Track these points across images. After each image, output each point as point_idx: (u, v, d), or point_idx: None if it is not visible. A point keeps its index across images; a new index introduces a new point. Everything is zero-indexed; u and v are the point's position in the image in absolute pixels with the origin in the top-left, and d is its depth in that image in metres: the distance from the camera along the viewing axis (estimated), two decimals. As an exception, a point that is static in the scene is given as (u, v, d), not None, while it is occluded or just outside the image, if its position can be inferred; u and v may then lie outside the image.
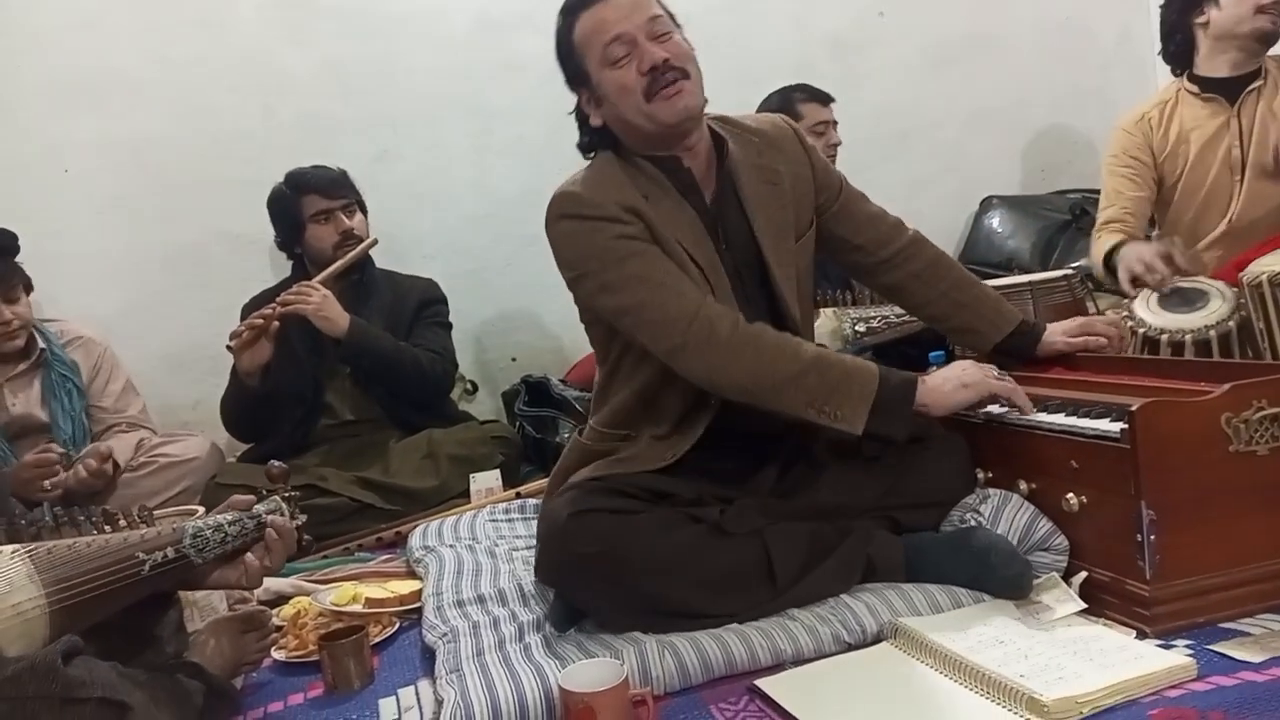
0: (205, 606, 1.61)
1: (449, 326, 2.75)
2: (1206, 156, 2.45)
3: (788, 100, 2.86)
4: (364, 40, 3.05)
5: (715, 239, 1.66)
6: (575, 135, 3.03)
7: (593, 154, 1.72)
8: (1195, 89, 2.47)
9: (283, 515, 1.38)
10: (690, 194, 1.66)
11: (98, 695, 1.06)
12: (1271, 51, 2.44)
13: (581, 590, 1.50)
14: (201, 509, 1.61)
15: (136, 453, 2.41)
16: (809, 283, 1.77)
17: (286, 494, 1.43)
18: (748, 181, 1.68)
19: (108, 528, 1.28)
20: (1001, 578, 1.44)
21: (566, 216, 1.61)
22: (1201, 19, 2.43)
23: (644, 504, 1.53)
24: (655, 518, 1.49)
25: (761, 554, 1.48)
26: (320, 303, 2.44)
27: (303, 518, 1.43)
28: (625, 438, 1.66)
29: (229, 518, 1.33)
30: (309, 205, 2.59)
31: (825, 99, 2.94)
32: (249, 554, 1.33)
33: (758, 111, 2.42)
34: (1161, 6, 2.53)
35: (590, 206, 1.59)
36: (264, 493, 1.43)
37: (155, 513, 1.42)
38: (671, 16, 1.65)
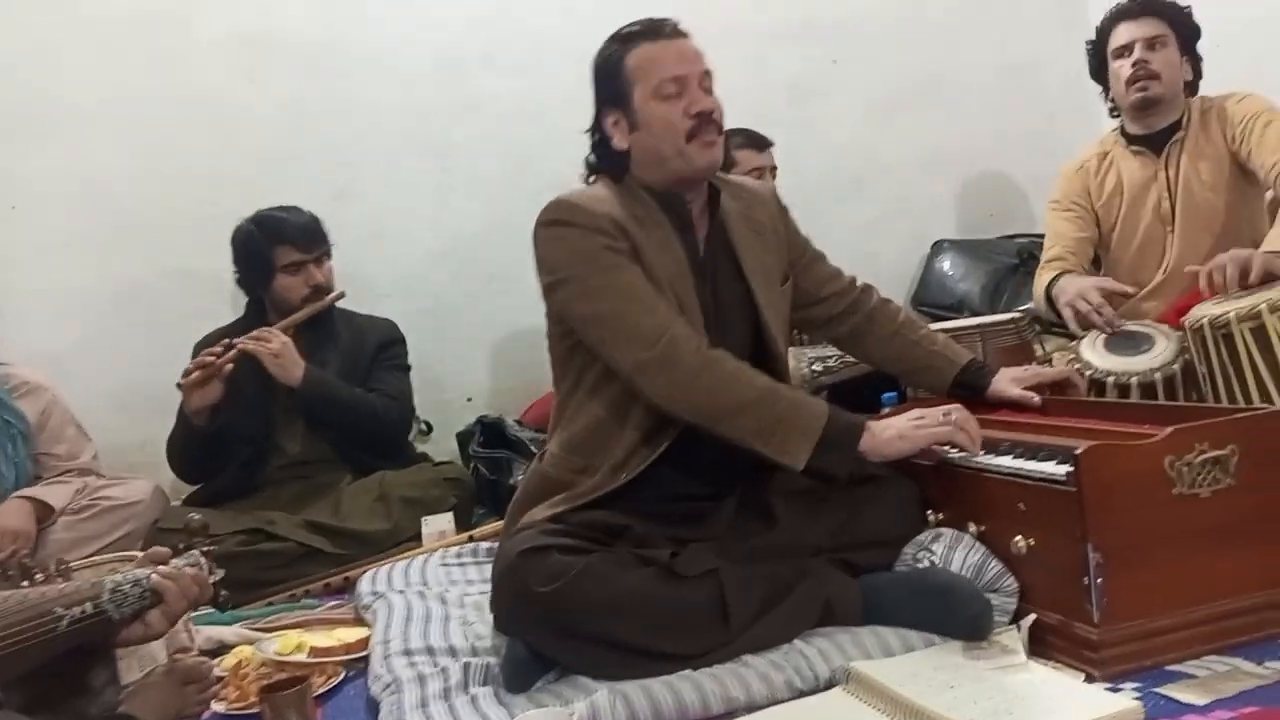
0: (144, 655, 1.56)
1: (407, 369, 2.71)
2: (1138, 208, 2.50)
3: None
4: (323, 77, 3.03)
5: (700, 278, 1.73)
6: (534, 174, 3.11)
7: (593, 179, 1.80)
8: (1124, 142, 2.54)
9: (201, 569, 1.39)
10: (684, 231, 1.74)
11: None
12: (1203, 90, 2.49)
13: (533, 629, 1.47)
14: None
15: (77, 496, 2.34)
16: (787, 329, 1.87)
17: (205, 548, 1.44)
18: (737, 228, 1.78)
19: (25, 583, 1.26)
20: (962, 618, 1.44)
21: (558, 222, 1.68)
22: (1110, 99, 2.56)
23: (596, 545, 1.51)
24: (607, 559, 1.48)
25: (716, 595, 1.47)
26: (279, 349, 2.42)
27: (220, 572, 1.44)
28: (583, 470, 1.67)
29: (146, 572, 1.31)
30: (282, 255, 2.52)
31: (762, 144, 2.84)
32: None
33: None
34: None
35: (583, 215, 1.66)
36: (181, 546, 1.43)
37: (72, 565, 1.42)
38: None
